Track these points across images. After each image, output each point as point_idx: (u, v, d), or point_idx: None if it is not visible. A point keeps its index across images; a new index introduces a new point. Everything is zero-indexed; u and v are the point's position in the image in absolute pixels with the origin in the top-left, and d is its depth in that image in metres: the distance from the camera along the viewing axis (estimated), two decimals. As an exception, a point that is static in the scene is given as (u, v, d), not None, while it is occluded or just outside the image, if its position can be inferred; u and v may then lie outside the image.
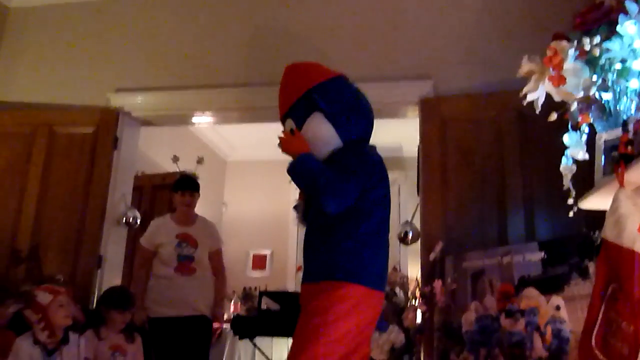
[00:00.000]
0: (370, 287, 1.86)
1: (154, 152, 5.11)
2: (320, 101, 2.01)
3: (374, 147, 2.09)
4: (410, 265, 5.08)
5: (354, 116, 2.07)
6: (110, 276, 3.58)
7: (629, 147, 1.53)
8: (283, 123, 2.15)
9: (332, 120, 2.02)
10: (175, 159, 4.85)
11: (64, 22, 4.15)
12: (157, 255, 3.30)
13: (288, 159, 2.01)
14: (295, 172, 1.92)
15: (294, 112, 2.09)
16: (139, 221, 3.84)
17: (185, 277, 3.26)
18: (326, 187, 1.83)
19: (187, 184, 3.48)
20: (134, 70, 3.90)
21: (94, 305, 3.33)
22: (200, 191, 3.57)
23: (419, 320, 3.12)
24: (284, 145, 2.00)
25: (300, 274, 2.12)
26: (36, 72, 4.10)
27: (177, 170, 4.78)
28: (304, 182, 1.94)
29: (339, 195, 1.84)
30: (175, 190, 3.44)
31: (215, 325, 3.41)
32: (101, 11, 4.08)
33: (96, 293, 3.44)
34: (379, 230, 1.94)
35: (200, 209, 3.64)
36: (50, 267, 3.46)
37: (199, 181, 3.69)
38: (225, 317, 5.32)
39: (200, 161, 4.87)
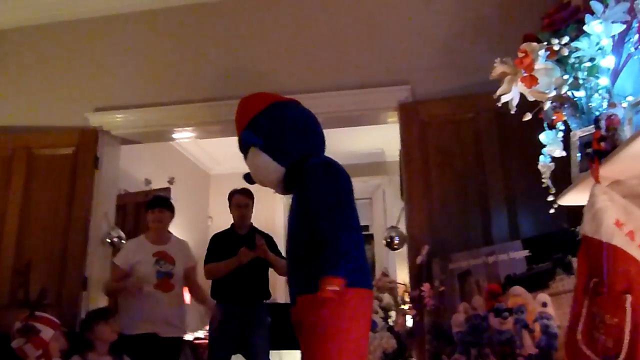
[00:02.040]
0: (365, 287, 1.97)
1: (136, 169, 5.08)
2: (248, 138, 2.18)
3: (331, 160, 2.18)
4: (398, 269, 5.09)
5: (291, 139, 2.19)
6: (96, 297, 3.54)
7: (602, 144, 1.56)
8: None
9: (268, 151, 2.16)
10: (171, 181, 4.88)
11: (38, 44, 4.12)
12: (132, 275, 3.25)
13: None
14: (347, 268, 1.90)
15: (240, 148, 2.28)
16: (123, 240, 3.81)
17: (164, 294, 3.25)
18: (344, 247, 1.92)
19: (156, 202, 3.48)
20: (112, 89, 3.88)
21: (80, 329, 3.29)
22: (186, 206, 3.58)
23: (409, 324, 3.13)
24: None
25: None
26: (12, 94, 4.06)
27: (159, 188, 4.77)
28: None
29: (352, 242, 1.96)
30: (146, 210, 3.45)
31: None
32: (75, 32, 4.06)
33: (82, 315, 3.39)
34: (357, 227, 2.05)
35: (185, 223, 3.64)
36: (35, 290, 3.40)
37: (181, 197, 3.68)
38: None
39: (171, 181, 4.89)
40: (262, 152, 2.17)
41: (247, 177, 2.37)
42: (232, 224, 3.75)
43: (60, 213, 3.60)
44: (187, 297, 3.60)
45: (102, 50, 3.98)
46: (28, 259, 3.44)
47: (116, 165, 3.98)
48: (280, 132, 2.19)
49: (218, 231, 3.85)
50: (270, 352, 3.75)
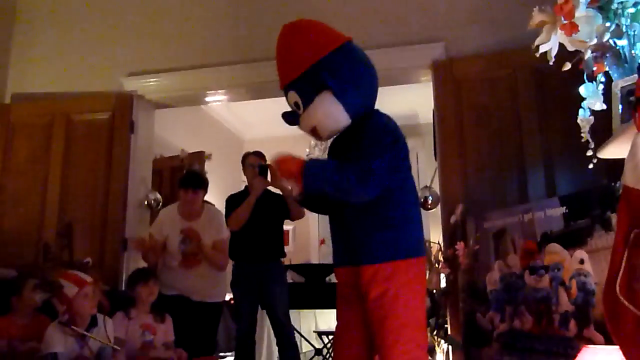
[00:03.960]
0: (423, 255, 1.90)
1: (171, 134, 5.15)
2: (330, 80, 1.86)
3: (389, 117, 1.96)
4: (431, 229, 5.08)
5: (362, 90, 1.95)
6: (137, 257, 3.64)
7: (646, 91, 1.49)
8: (285, 92, 2.01)
9: (342, 99, 1.89)
10: (209, 157, 4.84)
11: (72, 11, 4.17)
12: (165, 245, 3.28)
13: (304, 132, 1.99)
14: (313, 189, 1.79)
15: (298, 85, 1.94)
16: (161, 203, 3.90)
17: (190, 269, 3.27)
18: (351, 183, 1.74)
19: (191, 181, 3.37)
20: (145, 54, 3.92)
21: (123, 287, 3.40)
22: (220, 172, 3.57)
23: (443, 283, 3.14)
24: (283, 172, 1.82)
25: (324, 247, 2.06)
26: (49, 62, 4.14)
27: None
28: (331, 193, 1.79)
29: (366, 183, 1.74)
30: (180, 187, 3.36)
31: None
32: (108, -3, 4.10)
33: (124, 274, 3.52)
34: (416, 199, 1.95)
35: (220, 189, 3.65)
36: (77, 252, 3.54)
37: (215, 164, 3.63)
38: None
39: (208, 157, 4.84)
40: (335, 99, 1.89)
41: (289, 117, 2.03)
42: (246, 186, 3.71)
43: (99, 176, 3.70)
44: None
45: (135, 15, 4.01)
46: (68, 220, 3.56)
47: (151, 129, 4.05)
48: (356, 80, 1.93)
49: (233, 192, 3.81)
50: (306, 310, 3.79)
